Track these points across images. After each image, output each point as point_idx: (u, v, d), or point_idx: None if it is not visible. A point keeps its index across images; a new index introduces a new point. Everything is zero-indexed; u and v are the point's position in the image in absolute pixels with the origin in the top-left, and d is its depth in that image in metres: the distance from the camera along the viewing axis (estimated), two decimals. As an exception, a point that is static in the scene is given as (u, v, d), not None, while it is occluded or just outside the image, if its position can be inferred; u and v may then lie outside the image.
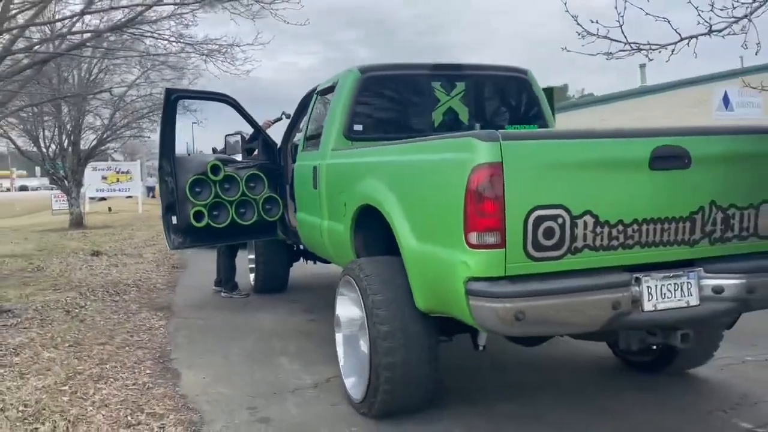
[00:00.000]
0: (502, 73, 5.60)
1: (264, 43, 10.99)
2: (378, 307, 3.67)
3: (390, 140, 4.49)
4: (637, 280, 3.14)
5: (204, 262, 9.90)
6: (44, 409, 4.04)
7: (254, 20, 10.28)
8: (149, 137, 20.69)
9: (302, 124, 6.49)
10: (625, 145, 3.14)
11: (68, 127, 17.92)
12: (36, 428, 3.77)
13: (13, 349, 5.36)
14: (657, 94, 22.48)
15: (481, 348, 3.78)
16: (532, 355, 4.98)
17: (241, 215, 6.62)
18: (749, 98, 17.71)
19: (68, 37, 9.96)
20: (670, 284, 3.21)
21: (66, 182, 18.18)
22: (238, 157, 7.03)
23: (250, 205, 6.66)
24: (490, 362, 4.92)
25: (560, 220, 3.00)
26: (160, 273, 9.71)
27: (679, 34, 3.34)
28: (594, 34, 3.39)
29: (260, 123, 7.37)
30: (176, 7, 10.40)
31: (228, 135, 7.31)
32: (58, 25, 9.49)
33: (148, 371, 4.92)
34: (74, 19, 11.12)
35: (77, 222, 18.15)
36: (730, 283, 3.24)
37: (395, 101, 5.35)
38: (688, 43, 3.37)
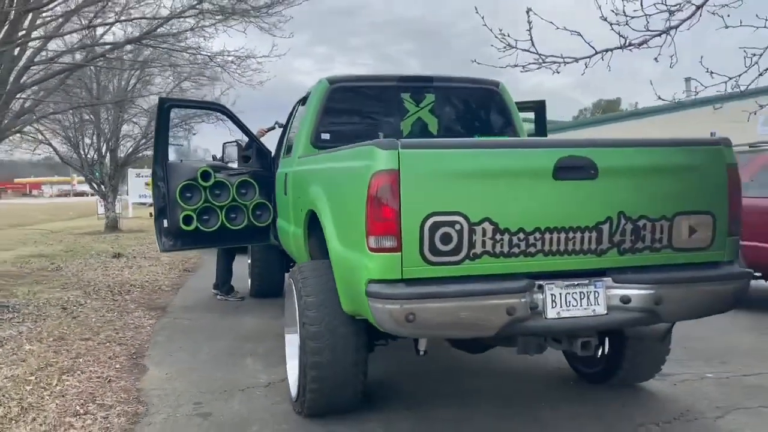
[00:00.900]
0: (474, 85, 5.68)
1: (279, 55, 11.35)
2: (309, 308, 3.80)
3: None
4: (540, 287, 3.19)
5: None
6: (4, 396, 4.30)
7: (268, 31, 10.64)
8: (182, 145, 21.33)
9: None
10: (527, 155, 3.20)
11: (107, 134, 18.68)
12: (-10, 412, 4.03)
13: (-1, 341, 5.69)
14: (701, 107, 22.27)
15: (422, 353, 3.85)
16: (489, 362, 5.04)
17: (231, 220, 6.85)
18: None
19: (94, 48, 10.47)
20: (575, 293, 3.24)
21: (103, 188, 18.92)
22: (235, 164, 7.29)
23: (240, 211, 6.89)
24: (445, 369, 4.98)
25: (458, 227, 3.08)
26: (170, 275, 10.05)
27: (594, 48, 3.38)
28: (513, 47, 3.45)
29: (255, 132, 7.61)
30: (197, 20, 10.84)
31: (226, 143, 7.58)
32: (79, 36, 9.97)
33: (117, 366, 5.16)
34: (97, 32, 11.69)
35: (112, 226, 18.85)
36: (637, 293, 3.26)
37: (363, 111, 5.49)
38: (602, 57, 3.40)
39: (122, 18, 10.38)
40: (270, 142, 7.68)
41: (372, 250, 3.08)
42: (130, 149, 19.40)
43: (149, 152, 22.54)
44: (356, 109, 5.47)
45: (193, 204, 6.75)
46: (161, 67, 13.36)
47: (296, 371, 4.27)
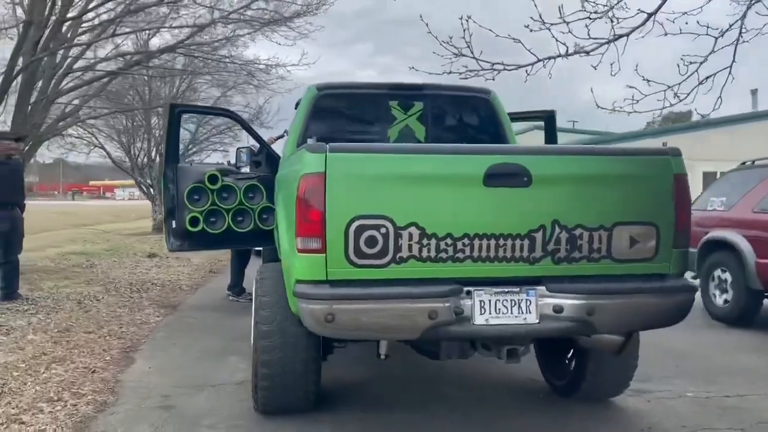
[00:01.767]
0: (464, 93, 5.68)
1: (309, 63, 11.63)
2: (262, 308, 3.90)
3: None
4: (469, 293, 3.19)
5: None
6: (-11, 380, 4.57)
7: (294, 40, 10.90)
8: (228, 151, 21.98)
9: (291, 138, 6.87)
10: (457, 161, 3.22)
11: (158, 138, 19.44)
12: (-29, 394, 4.29)
13: (6, 330, 6.03)
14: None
15: (382, 357, 3.90)
16: (463, 370, 5.02)
17: (238, 223, 7.04)
18: None
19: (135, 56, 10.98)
20: (506, 300, 3.23)
21: (152, 190, 19.66)
22: (247, 169, 7.51)
23: (247, 214, 7.07)
24: (414, 375, 4.99)
25: (384, 231, 3.12)
26: (194, 276, 10.37)
27: (535, 56, 3.36)
28: (458, 54, 3.47)
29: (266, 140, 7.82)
30: (233, 30, 11.20)
31: (239, 148, 7.81)
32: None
33: (107, 358, 5.39)
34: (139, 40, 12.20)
35: (158, 227, 19.52)
36: (569, 303, 3.21)
37: (350, 117, 5.59)
38: (544, 65, 3.37)
39: (158, 25, 10.86)
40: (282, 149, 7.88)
41: (299, 251, 3.16)
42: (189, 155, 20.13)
43: (196, 156, 23.36)
44: (343, 115, 5.57)
45: (200, 206, 6.97)
46: (191, 75, 13.83)
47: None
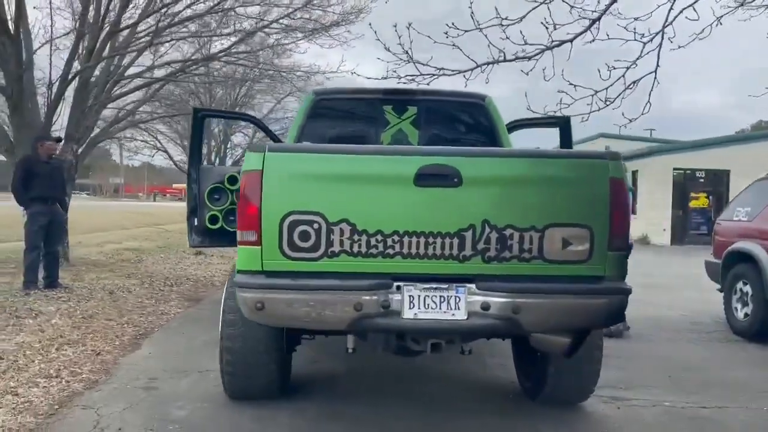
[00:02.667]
0: (458, 98, 5.79)
1: (349, 71, 11.92)
2: (229, 298, 4.15)
3: None
4: (399, 288, 3.33)
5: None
6: (2, 358, 5.02)
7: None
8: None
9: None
10: (388, 161, 3.36)
11: (219, 142, 20.28)
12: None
13: (35, 314, 6.55)
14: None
15: (350, 350, 4.10)
16: (444, 368, 5.12)
17: (256, 222, 7.38)
18: None
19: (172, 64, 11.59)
20: (435, 296, 3.34)
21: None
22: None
23: (266, 214, 7.41)
24: (388, 371, 5.11)
25: (316, 226, 3.31)
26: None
27: (474, 62, 3.46)
28: (410, 59, 3.60)
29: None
30: (277, 40, 11.65)
31: (263, 150, 8.18)
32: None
33: (117, 343, 5.80)
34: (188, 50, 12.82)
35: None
36: (495, 301, 3.30)
37: (345, 122, 5.80)
38: (482, 70, 3.46)
39: (207, 34, 11.42)
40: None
41: (239, 243, 3.39)
42: (237, 157, 20.89)
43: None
44: (339, 119, 5.79)
45: (219, 205, 7.34)
46: (237, 82, 14.43)
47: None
